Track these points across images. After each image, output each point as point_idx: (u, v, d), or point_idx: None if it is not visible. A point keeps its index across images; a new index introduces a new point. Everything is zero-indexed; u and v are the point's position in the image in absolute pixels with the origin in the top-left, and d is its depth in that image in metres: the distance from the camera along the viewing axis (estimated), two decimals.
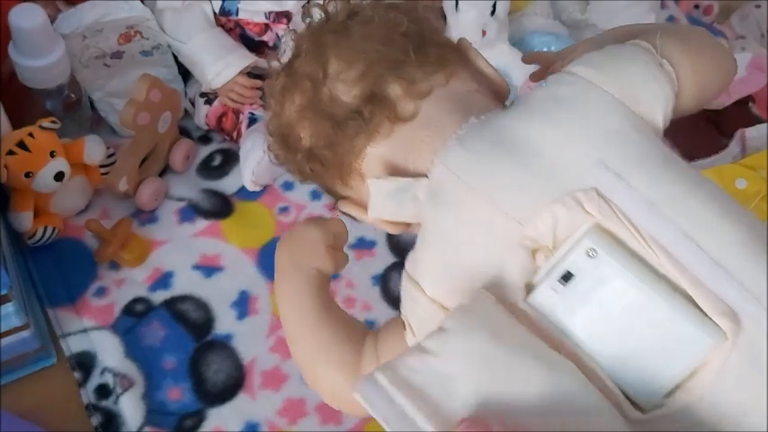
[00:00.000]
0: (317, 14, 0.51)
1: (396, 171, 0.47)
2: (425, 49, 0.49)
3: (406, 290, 0.46)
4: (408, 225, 0.49)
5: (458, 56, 0.51)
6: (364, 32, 0.49)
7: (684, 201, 0.41)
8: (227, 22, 0.87)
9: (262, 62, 0.88)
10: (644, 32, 0.48)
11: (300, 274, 0.50)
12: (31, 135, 0.73)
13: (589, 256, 0.40)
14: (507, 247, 0.42)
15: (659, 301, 0.40)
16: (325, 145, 0.49)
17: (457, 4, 0.90)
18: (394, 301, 0.79)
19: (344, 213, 0.52)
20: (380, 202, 0.47)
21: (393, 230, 0.50)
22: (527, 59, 0.60)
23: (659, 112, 0.45)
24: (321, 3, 0.52)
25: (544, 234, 0.41)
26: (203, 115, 0.88)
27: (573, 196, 0.41)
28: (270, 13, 0.85)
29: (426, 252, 0.45)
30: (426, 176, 0.45)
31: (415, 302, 0.45)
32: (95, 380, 0.71)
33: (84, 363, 0.72)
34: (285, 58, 0.52)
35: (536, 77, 0.56)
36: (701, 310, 0.39)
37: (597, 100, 0.44)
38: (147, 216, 0.83)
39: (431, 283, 0.44)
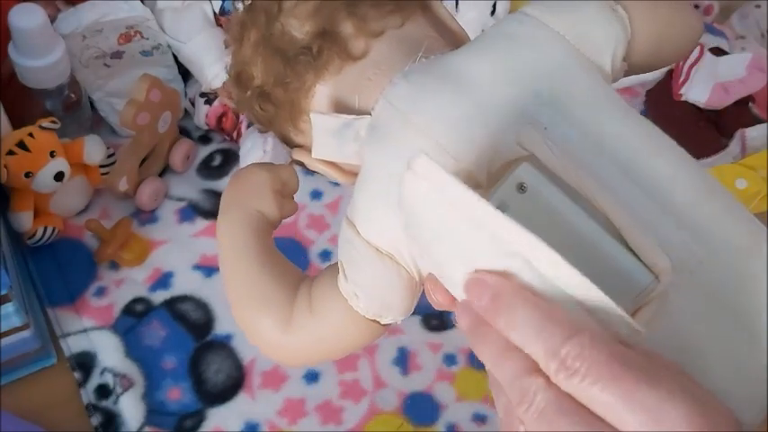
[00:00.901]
0: None
1: (342, 109, 0.46)
2: None
3: (343, 233, 0.44)
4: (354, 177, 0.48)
5: (418, 2, 0.50)
6: None
7: (624, 138, 0.40)
8: (227, 22, 0.87)
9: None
10: None
11: (243, 213, 0.48)
12: (31, 135, 0.73)
13: (520, 191, 0.38)
14: None
15: (587, 241, 0.37)
16: (275, 82, 0.48)
17: (457, 4, 0.90)
18: None
19: (298, 163, 0.51)
20: (323, 141, 0.46)
21: (343, 180, 0.49)
22: None
23: (607, 54, 0.44)
24: None
25: (478, 169, 0.40)
26: (203, 115, 0.88)
27: (509, 130, 0.40)
28: None
29: (362, 190, 0.44)
30: (370, 114, 0.45)
31: (350, 245, 0.44)
32: (95, 380, 0.71)
33: (84, 363, 0.72)
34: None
35: None
36: (633, 252, 0.37)
37: (544, 38, 0.44)
38: (147, 216, 0.83)
39: (365, 222, 0.43)
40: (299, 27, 0.47)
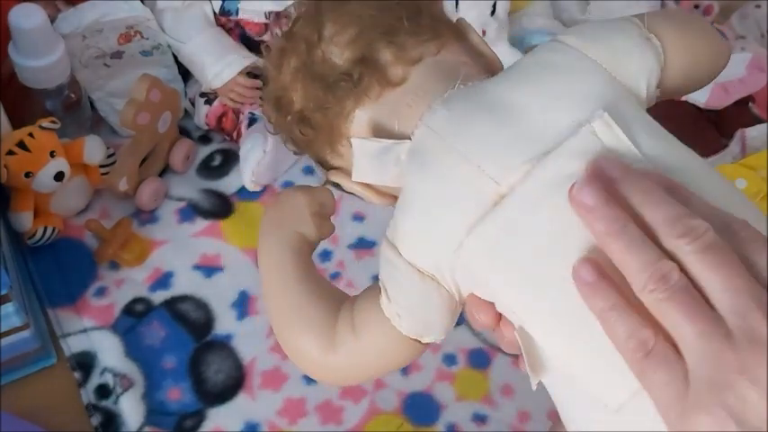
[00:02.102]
0: None
1: (381, 134, 0.48)
2: (419, 18, 0.49)
3: (384, 254, 0.45)
4: (395, 198, 0.49)
5: (452, 30, 0.51)
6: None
7: (666, 163, 0.41)
8: (227, 22, 0.87)
9: (262, 62, 0.87)
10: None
11: (282, 236, 0.50)
12: (31, 135, 0.73)
13: None
14: (482, 206, 0.41)
15: None
16: (315, 107, 0.49)
17: (457, 3, 0.90)
18: None
19: (334, 184, 0.52)
20: (364, 164, 0.47)
21: (380, 201, 0.50)
22: None
23: (643, 82, 0.45)
24: None
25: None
26: (203, 115, 0.88)
27: (548, 156, 0.41)
28: (270, 13, 0.85)
29: (404, 214, 0.45)
30: (410, 138, 0.46)
31: (392, 266, 0.45)
32: (95, 380, 0.71)
33: (84, 363, 0.72)
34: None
35: None
36: None
37: (582, 66, 0.45)
38: (147, 216, 0.83)
39: (408, 245, 0.44)
40: (339, 54, 0.48)
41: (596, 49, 0.45)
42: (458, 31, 0.52)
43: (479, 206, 0.41)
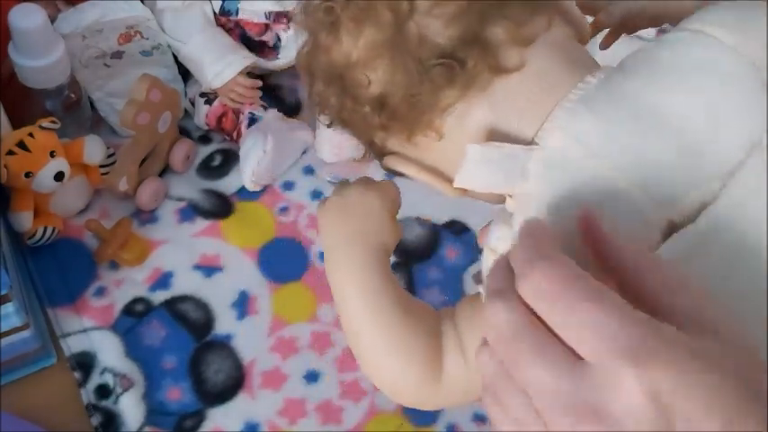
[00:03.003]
0: None
1: (495, 134, 0.40)
2: None
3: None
4: (466, 191, 0.43)
5: (554, 2, 0.43)
6: None
7: None
8: (227, 22, 0.87)
9: (262, 62, 0.88)
10: None
11: (367, 251, 0.44)
12: (31, 135, 0.73)
13: None
14: (650, 237, 0.37)
15: None
16: (404, 94, 0.41)
17: None
18: None
19: (390, 170, 0.45)
20: (477, 171, 0.39)
21: (452, 193, 0.43)
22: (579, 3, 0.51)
23: None
24: None
25: (679, 214, 0.37)
26: (203, 115, 0.88)
27: (723, 180, 0.37)
28: (270, 13, 0.85)
29: None
30: (536, 143, 0.39)
31: None
32: (95, 380, 0.71)
33: (84, 363, 0.72)
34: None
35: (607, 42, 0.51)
36: None
37: (741, 71, 0.38)
38: (147, 216, 0.83)
39: None
40: (440, 31, 0.40)
41: (752, 47, 0.39)
42: (557, 4, 0.43)
43: (646, 237, 0.36)
